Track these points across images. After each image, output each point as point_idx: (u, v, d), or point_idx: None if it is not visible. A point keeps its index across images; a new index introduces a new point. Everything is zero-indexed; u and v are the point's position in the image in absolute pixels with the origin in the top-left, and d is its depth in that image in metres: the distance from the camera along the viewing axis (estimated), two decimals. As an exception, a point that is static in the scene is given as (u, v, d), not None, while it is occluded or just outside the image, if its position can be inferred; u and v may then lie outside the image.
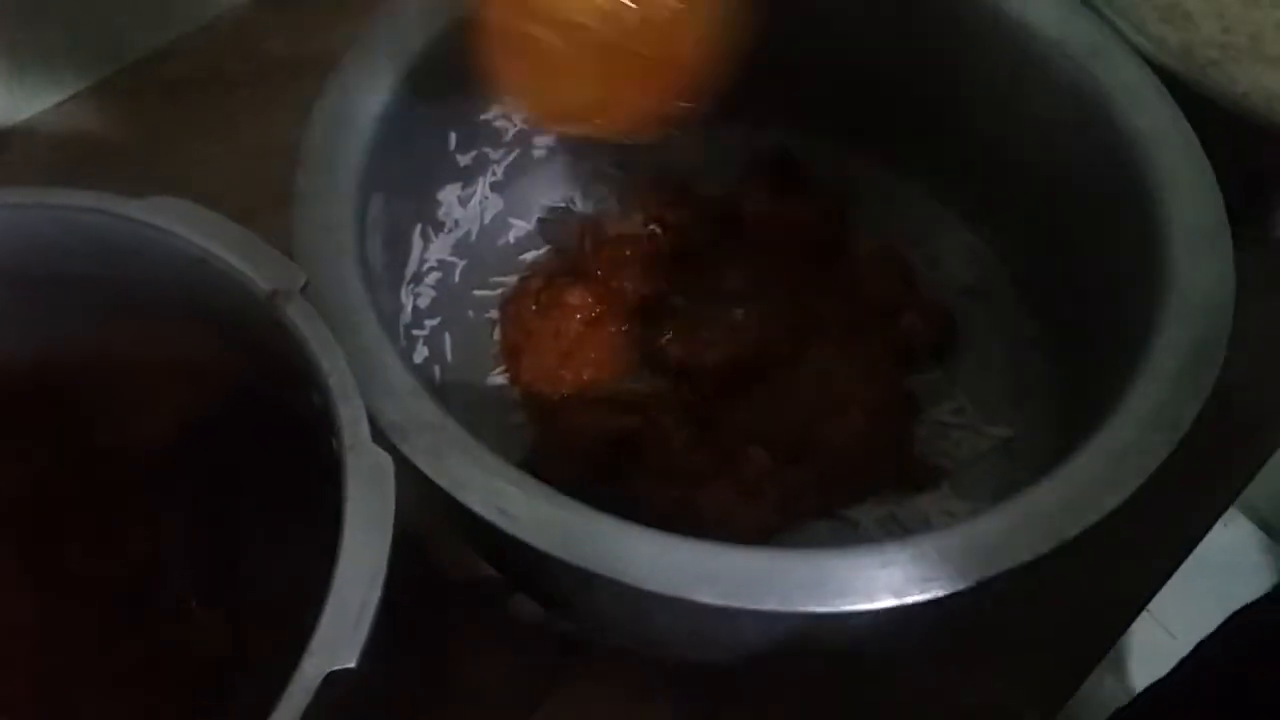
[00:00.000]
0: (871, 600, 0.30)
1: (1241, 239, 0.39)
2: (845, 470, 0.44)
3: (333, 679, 0.26)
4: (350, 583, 0.28)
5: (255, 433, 0.38)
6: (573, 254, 0.49)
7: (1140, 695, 0.66)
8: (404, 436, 0.32)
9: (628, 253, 0.49)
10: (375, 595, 0.28)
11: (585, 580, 0.31)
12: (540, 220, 0.51)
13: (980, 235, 0.50)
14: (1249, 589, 0.62)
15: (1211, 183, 0.40)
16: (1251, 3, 0.49)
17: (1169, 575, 0.47)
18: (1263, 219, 0.54)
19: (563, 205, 0.51)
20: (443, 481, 0.32)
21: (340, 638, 0.27)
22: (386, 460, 0.30)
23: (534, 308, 0.47)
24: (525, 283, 0.49)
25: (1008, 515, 0.32)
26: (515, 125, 0.48)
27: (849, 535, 0.44)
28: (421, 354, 0.46)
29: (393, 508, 0.29)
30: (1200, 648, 0.62)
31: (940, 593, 0.30)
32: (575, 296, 0.47)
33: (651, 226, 0.50)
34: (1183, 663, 0.63)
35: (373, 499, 0.29)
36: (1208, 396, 0.35)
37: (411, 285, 0.46)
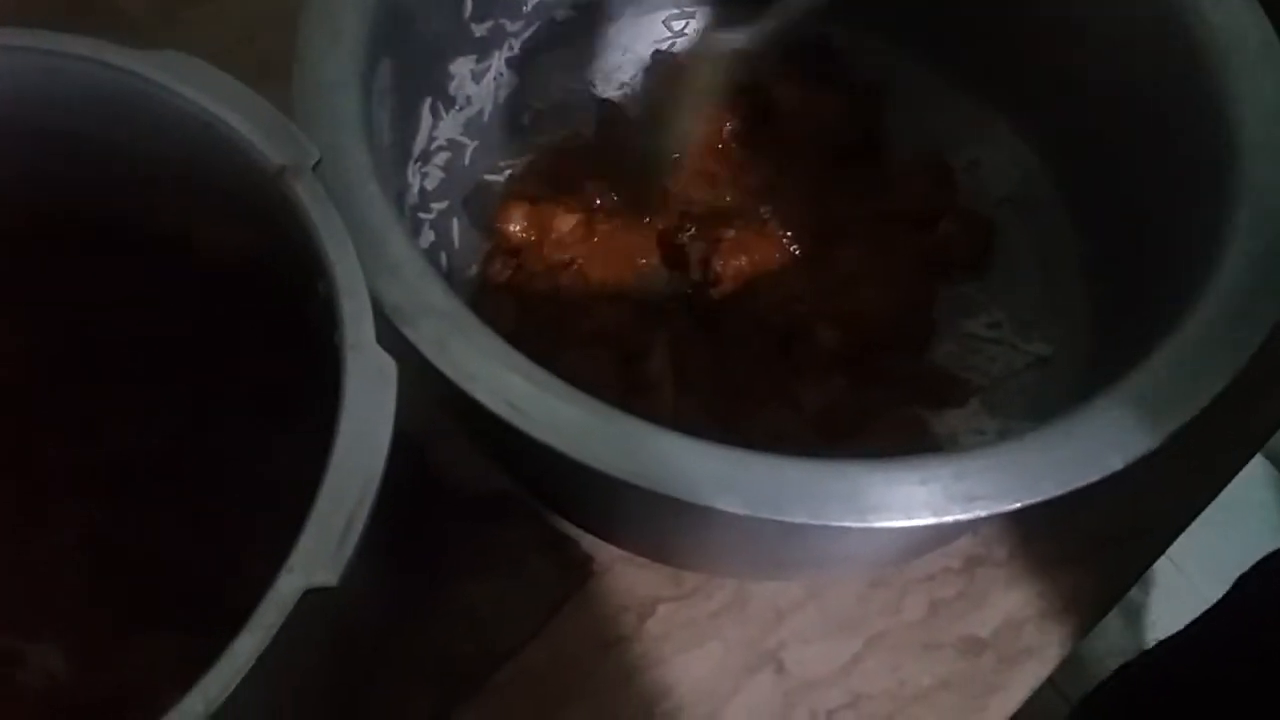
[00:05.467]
0: (909, 517, 0.28)
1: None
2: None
3: (312, 596, 0.24)
4: (338, 497, 0.25)
5: (252, 320, 0.35)
6: (591, 140, 0.46)
7: (1155, 648, 0.64)
8: (408, 321, 0.30)
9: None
10: (364, 512, 0.25)
11: (602, 484, 0.29)
12: (558, 104, 0.47)
13: (1028, 142, 0.47)
14: (1258, 524, 0.61)
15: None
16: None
17: (1199, 511, 0.45)
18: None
19: (583, 88, 0.48)
20: (449, 371, 0.29)
21: (322, 554, 0.25)
22: (390, 364, 0.27)
23: (546, 195, 0.44)
24: (536, 165, 0.45)
25: (1056, 436, 0.30)
26: (535, -7, 0.44)
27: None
28: (427, 239, 0.43)
29: (392, 417, 0.27)
30: (1221, 603, 0.60)
31: (983, 513, 0.28)
32: (591, 184, 0.44)
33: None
34: (1201, 617, 0.61)
35: (371, 406, 0.27)
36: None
37: (419, 164, 0.43)
